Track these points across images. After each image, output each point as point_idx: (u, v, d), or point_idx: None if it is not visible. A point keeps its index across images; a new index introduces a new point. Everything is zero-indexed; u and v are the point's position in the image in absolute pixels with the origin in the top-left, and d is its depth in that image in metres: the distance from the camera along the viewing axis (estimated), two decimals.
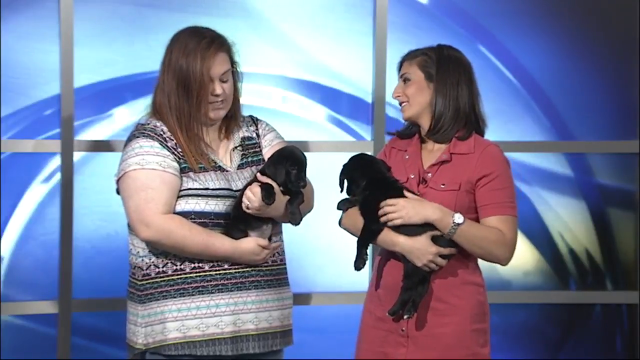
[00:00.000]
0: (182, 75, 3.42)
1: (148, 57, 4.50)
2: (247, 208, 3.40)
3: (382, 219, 3.42)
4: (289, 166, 3.44)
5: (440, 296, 3.46)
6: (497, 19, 4.80)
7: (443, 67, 3.51)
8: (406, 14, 4.74)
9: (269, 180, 3.41)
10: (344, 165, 3.54)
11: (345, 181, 3.52)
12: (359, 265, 3.43)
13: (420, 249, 3.39)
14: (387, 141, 3.70)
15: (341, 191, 3.53)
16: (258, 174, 3.44)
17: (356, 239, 3.55)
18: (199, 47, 3.43)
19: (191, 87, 3.42)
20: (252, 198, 3.37)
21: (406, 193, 3.42)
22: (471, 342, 3.47)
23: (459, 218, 3.39)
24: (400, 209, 3.39)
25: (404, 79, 3.54)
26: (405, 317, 3.41)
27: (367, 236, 3.45)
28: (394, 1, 4.70)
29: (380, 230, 3.43)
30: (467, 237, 3.41)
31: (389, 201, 3.41)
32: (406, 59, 3.56)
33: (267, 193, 3.37)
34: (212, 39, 3.45)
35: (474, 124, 3.53)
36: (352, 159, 3.56)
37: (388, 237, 3.43)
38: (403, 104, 3.55)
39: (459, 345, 3.46)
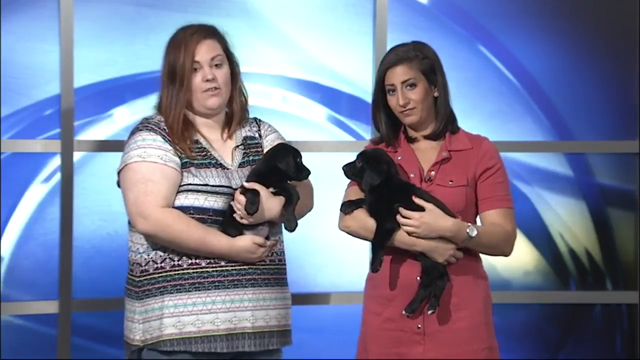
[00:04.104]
0: (170, 67, 3.46)
1: (148, 57, 4.50)
2: (241, 218, 3.41)
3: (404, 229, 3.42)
4: (295, 156, 3.46)
5: (456, 291, 3.47)
6: (497, 19, 4.80)
7: (439, 68, 3.53)
8: (406, 14, 4.74)
9: (256, 186, 3.41)
10: (363, 152, 3.52)
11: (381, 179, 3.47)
12: (376, 267, 3.40)
13: (442, 246, 3.41)
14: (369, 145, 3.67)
15: (348, 175, 3.51)
16: (245, 183, 3.44)
17: (357, 239, 3.55)
18: (184, 36, 3.47)
19: (176, 75, 3.44)
20: (238, 207, 3.40)
21: (422, 202, 3.41)
22: (486, 335, 3.51)
23: (472, 231, 3.41)
24: (417, 225, 3.39)
25: (409, 84, 3.49)
26: (429, 312, 3.41)
27: (382, 236, 3.43)
28: (394, 1, 4.70)
29: (395, 229, 3.43)
30: (479, 243, 3.45)
31: (405, 213, 3.41)
32: (401, 63, 3.49)
33: (251, 203, 3.38)
34: (197, 28, 3.49)
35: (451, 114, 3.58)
36: (372, 149, 3.54)
37: (407, 237, 3.43)
38: (409, 110, 3.50)
39: (476, 338, 3.48)
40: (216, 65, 3.48)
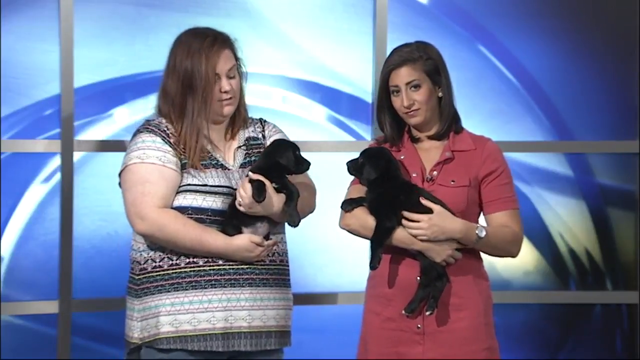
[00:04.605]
0: (187, 76, 3.44)
1: (148, 57, 4.50)
2: (239, 205, 3.40)
3: (412, 232, 3.41)
4: (294, 150, 3.48)
5: (456, 291, 3.47)
6: (497, 19, 4.80)
7: (442, 68, 3.52)
8: (406, 14, 4.74)
9: (260, 178, 3.42)
10: (366, 149, 3.52)
11: (375, 176, 3.48)
12: (374, 264, 3.41)
13: (440, 246, 3.41)
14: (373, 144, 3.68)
15: (350, 170, 3.51)
16: (250, 173, 3.44)
17: (358, 238, 3.55)
18: (202, 46, 3.45)
19: (196, 86, 3.43)
20: (243, 195, 3.39)
21: (429, 204, 3.41)
22: (485, 336, 3.51)
23: (481, 232, 3.42)
24: (426, 227, 3.39)
25: (413, 86, 3.49)
26: (427, 313, 3.41)
27: (381, 234, 3.43)
28: (394, 1, 4.70)
29: (395, 227, 3.43)
30: (488, 244, 3.46)
31: (413, 216, 3.40)
32: (405, 64, 3.49)
33: (258, 191, 3.38)
34: (214, 37, 3.48)
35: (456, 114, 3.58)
36: (375, 147, 3.55)
37: (406, 236, 3.43)
38: (414, 111, 3.51)
39: (475, 338, 3.48)
40: (230, 77, 3.49)
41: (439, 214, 3.40)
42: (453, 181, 3.49)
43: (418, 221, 3.39)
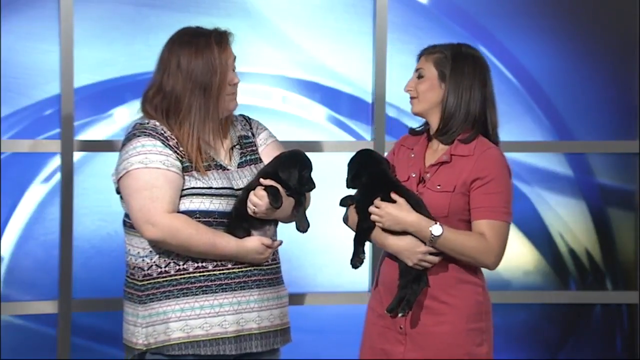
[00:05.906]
0: (199, 75, 3.40)
1: (148, 57, 4.47)
2: (254, 213, 3.40)
3: (372, 219, 3.43)
4: (301, 169, 3.45)
5: (435, 295, 3.45)
6: (497, 19, 4.80)
7: (458, 68, 3.48)
8: (406, 14, 4.74)
9: (273, 183, 3.41)
10: (350, 159, 3.54)
11: (351, 175, 3.50)
12: (355, 263, 3.43)
13: (409, 250, 3.39)
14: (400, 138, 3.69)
15: (347, 185, 3.53)
16: (261, 179, 3.43)
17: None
18: (210, 42, 3.42)
19: (212, 84, 3.40)
20: (259, 202, 3.37)
21: (395, 197, 3.41)
22: (466, 342, 3.46)
23: (436, 230, 3.36)
24: (383, 215, 3.39)
25: (418, 75, 3.52)
26: (399, 315, 3.40)
27: (360, 234, 3.46)
28: (394, 1, 4.70)
29: (371, 228, 3.43)
30: (448, 246, 3.39)
31: (377, 203, 3.41)
32: (424, 54, 3.54)
33: (274, 197, 3.37)
34: (218, 33, 3.46)
35: (481, 128, 3.50)
36: (357, 152, 3.56)
37: (379, 237, 3.45)
38: (412, 99, 3.53)
39: (455, 344, 3.45)
40: (234, 68, 3.49)
41: (397, 204, 3.39)
42: (439, 186, 3.46)
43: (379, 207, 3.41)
